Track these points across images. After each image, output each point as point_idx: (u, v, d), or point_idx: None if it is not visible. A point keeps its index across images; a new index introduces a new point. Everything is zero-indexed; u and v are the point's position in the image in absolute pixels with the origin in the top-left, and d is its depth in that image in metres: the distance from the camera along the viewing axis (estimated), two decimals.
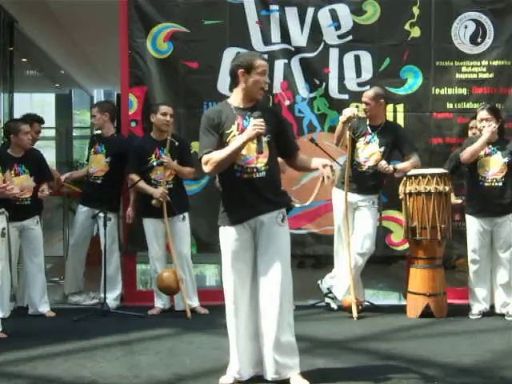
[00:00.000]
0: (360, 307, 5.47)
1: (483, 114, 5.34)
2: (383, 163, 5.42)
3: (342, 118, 5.39)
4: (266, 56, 5.89)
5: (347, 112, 5.39)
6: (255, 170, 3.64)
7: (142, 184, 5.56)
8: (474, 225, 5.40)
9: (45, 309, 5.58)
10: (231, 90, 5.86)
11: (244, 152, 3.61)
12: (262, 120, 3.55)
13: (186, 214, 5.65)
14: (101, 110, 5.98)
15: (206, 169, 3.60)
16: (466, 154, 5.34)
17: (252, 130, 3.53)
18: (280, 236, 3.68)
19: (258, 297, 3.68)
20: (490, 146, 5.35)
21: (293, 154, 3.84)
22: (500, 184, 5.32)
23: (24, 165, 5.48)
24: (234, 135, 3.64)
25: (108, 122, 5.95)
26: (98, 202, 5.71)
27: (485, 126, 5.29)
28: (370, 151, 5.50)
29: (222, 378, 3.76)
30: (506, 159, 5.32)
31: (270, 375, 3.68)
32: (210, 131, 3.64)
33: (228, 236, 3.69)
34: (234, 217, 3.67)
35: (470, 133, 5.76)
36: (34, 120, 5.90)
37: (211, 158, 3.57)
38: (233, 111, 3.69)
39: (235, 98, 3.74)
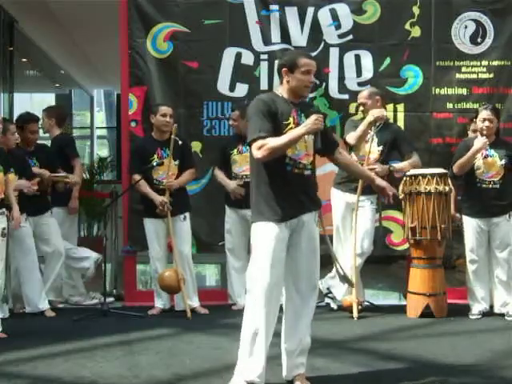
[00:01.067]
0: (360, 307, 5.46)
1: (485, 113, 5.32)
2: (378, 167, 5.38)
3: (369, 118, 5.34)
4: (265, 56, 5.98)
5: (375, 112, 5.35)
6: (305, 166, 3.61)
7: (145, 188, 5.54)
8: (471, 225, 5.40)
9: (45, 305, 5.56)
10: (232, 89, 6.00)
11: (297, 146, 3.57)
12: (321, 116, 3.57)
13: (187, 214, 5.65)
14: (48, 114, 6.14)
15: (259, 154, 3.47)
16: (455, 168, 5.38)
17: (313, 124, 3.50)
18: (316, 236, 3.67)
19: (286, 297, 3.64)
20: (488, 148, 5.34)
21: (334, 150, 3.82)
22: (497, 186, 5.33)
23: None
24: (292, 127, 3.57)
25: (54, 126, 6.12)
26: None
27: (488, 127, 5.28)
28: (368, 150, 5.49)
29: (231, 382, 3.58)
30: (503, 161, 5.33)
31: (289, 374, 3.68)
32: (266, 117, 3.53)
33: (269, 232, 3.52)
34: (281, 212, 3.53)
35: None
36: (28, 121, 5.76)
37: (267, 144, 3.46)
38: (287, 103, 3.64)
39: (284, 93, 3.68)
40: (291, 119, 3.60)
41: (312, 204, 3.67)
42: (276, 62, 3.79)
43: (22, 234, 5.44)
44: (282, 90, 3.69)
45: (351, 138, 5.47)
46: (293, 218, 3.58)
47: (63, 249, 5.76)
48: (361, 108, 5.56)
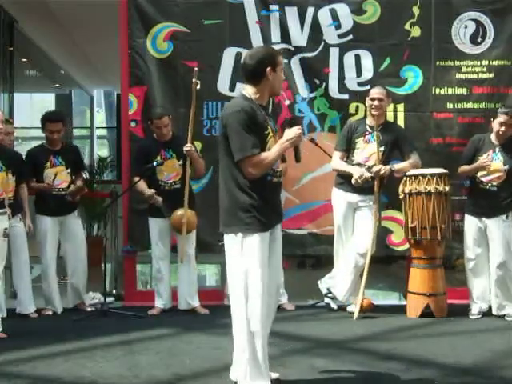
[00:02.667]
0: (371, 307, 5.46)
1: (504, 118, 5.27)
2: (378, 169, 5.38)
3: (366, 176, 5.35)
4: None
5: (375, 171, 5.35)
6: (280, 174, 3.63)
7: (141, 185, 5.55)
8: (469, 223, 5.41)
9: (32, 308, 5.54)
10: (232, 89, 6.00)
11: None
12: (300, 126, 3.56)
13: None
14: None
15: (255, 171, 3.41)
16: (459, 171, 5.48)
17: (298, 138, 3.49)
18: (280, 237, 3.75)
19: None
20: (497, 149, 5.32)
21: None
22: (495, 189, 5.30)
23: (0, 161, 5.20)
24: (271, 136, 3.54)
25: None
26: None
27: (504, 131, 5.26)
28: (370, 151, 5.48)
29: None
30: (507, 167, 5.27)
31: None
32: (253, 130, 3.43)
33: (258, 243, 3.47)
34: (267, 222, 3.52)
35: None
36: (44, 120, 5.72)
37: (264, 160, 3.43)
38: (260, 109, 3.53)
39: (257, 96, 3.54)
40: (269, 128, 3.54)
41: (282, 211, 3.76)
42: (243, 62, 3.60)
43: (15, 233, 5.41)
44: (254, 93, 3.55)
45: (333, 165, 5.55)
46: (274, 226, 3.60)
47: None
48: (375, 103, 5.44)
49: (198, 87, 5.32)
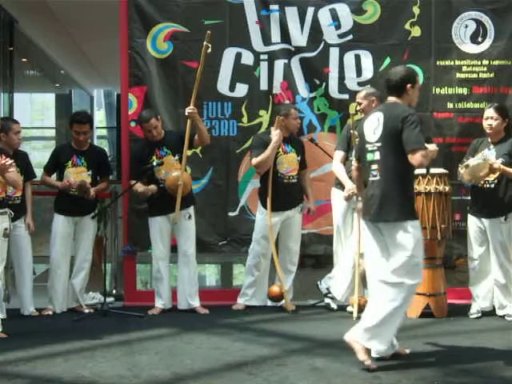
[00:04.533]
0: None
1: (488, 112, 5.29)
2: None
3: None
4: (265, 56, 5.99)
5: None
6: None
7: (137, 186, 5.57)
8: (471, 222, 5.39)
9: (33, 309, 5.54)
10: (232, 89, 5.99)
11: None
12: None
13: (192, 211, 5.64)
14: None
15: (425, 160, 3.99)
16: None
17: None
18: None
19: None
20: (491, 147, 5.30)
21: None
22: (492, 186, 5.23)
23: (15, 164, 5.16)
24: None
25: None
26: None
27: (490, 125, 5.25)
28: None
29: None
30: (499, 161, 5.15)
31: None
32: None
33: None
34: None
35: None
36: (72, 121, 5.76)
37: (427, 154, 4.09)
38: None
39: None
40: None
41: None
42: (395, 76, 4.11)
43: (19, 234, 5.42)
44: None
45: (334, 166, 5.63)
46: None
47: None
48: (357, 107, 5.49)
49: (209, 51, 5.40)
